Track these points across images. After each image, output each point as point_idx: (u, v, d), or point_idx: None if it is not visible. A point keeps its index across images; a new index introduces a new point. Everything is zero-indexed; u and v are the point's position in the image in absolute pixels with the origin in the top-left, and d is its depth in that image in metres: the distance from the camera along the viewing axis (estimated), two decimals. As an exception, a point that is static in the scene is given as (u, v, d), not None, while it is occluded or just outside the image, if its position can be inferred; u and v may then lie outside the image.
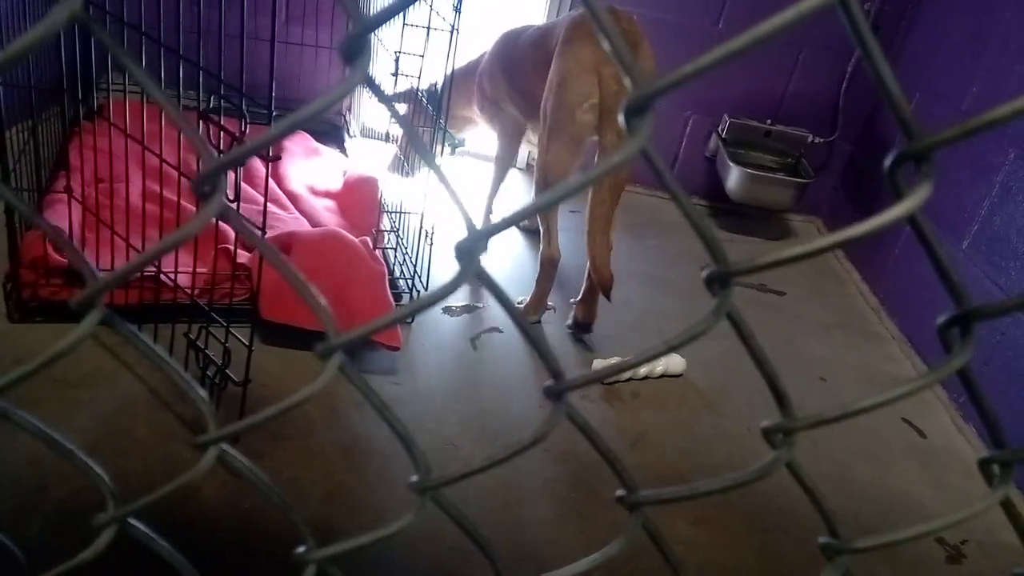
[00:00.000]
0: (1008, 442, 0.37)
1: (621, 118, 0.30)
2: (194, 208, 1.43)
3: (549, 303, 2.15)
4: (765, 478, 0.35)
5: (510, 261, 2.42)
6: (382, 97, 0.31)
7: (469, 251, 0.32)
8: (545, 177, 1.99)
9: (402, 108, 2.47)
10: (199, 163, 1.44)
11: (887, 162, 0.30)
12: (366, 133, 2.85)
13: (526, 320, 0.35)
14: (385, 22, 0.27)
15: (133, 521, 0.42)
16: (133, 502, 0.40)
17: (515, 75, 2.19)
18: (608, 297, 2.00)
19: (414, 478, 0.39)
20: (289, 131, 0.29)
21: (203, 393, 0.37)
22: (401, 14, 2.01)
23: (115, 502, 0.40)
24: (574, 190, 0.32)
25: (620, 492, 0.40)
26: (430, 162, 0.33)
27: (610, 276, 1.99)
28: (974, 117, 0.28)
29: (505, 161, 2.44)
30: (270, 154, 1.23)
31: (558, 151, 1.94)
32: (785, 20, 0.26)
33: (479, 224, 0.32)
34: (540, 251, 2.09)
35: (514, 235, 2.56)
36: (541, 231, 2.08)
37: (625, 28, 1.90)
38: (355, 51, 0.27)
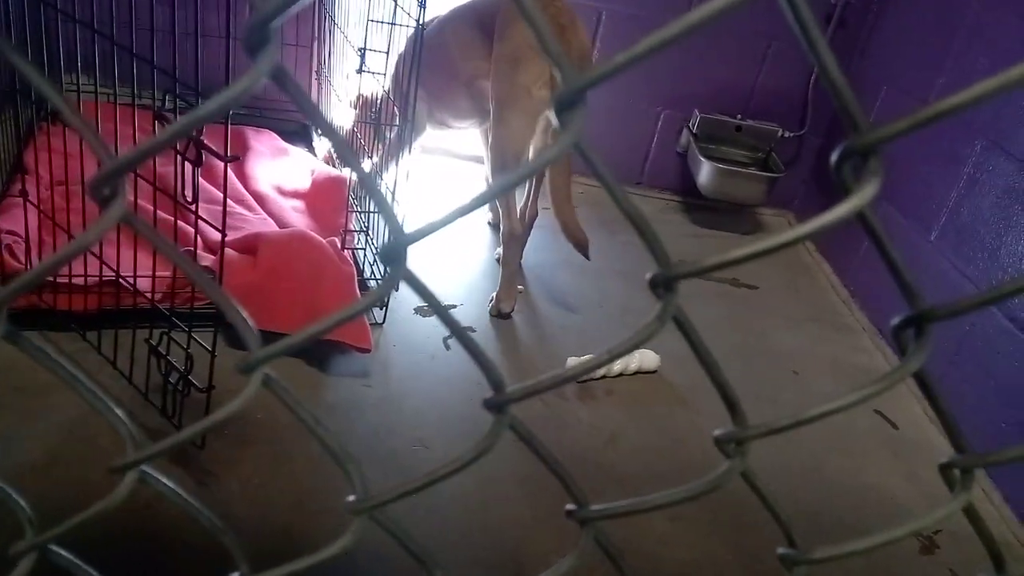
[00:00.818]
0: (968, 447, 0.36)
1: (552, 115, 0.28)
2: (151, 208, 1.39)
3: (519, 286, 2.14)
4: (718, 490, 0.33)
5: (478, 259, 2.40)
6: (297, 95, 0.28)
7: (395, 255, 0.30)
8: (502, 156, 1.97)
9: (350, 113, 2.42)
10: (155, 163, 1.40)
11: (833, 157, 0.28)
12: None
13: (460, 329, 0.33)
14: (286, 9, 0.24)
15: (55, 548, 0.39)
16: (52, 528, 0.37)
17: (447, 67, 2.11)
18: (587, 256, 2.06)
19: (351, 498, 0.36)
20: (187, 130, 0.26)
21: (121, 415, 0.35)
22: (364, 9, 1.98)
23: (33, 528, 0.38)
24: (515, 182, 0.30)
25: (570, 506, 0.38)
26: (355, 167, 0.30)
27: (585, 237, 2.06)
28: (923, 108, 0.26)
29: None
30: (227, 154, 1.20)
31: (514, 129, 1.92)
32: (717, 7, 0.24)
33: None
34: (501, 228, 2.06)
35: (483, 231, 2.54)
36: (500, 209, 2.06)
37: (554, 12, 1.88)
38: (258, 41, 0.25)
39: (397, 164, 2.01)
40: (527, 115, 1.90)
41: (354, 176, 2.26)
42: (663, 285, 0.31)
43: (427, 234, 0.30)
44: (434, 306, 0.32)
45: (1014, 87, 0.24)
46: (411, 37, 2.07)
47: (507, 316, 2.09)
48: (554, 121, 0.28)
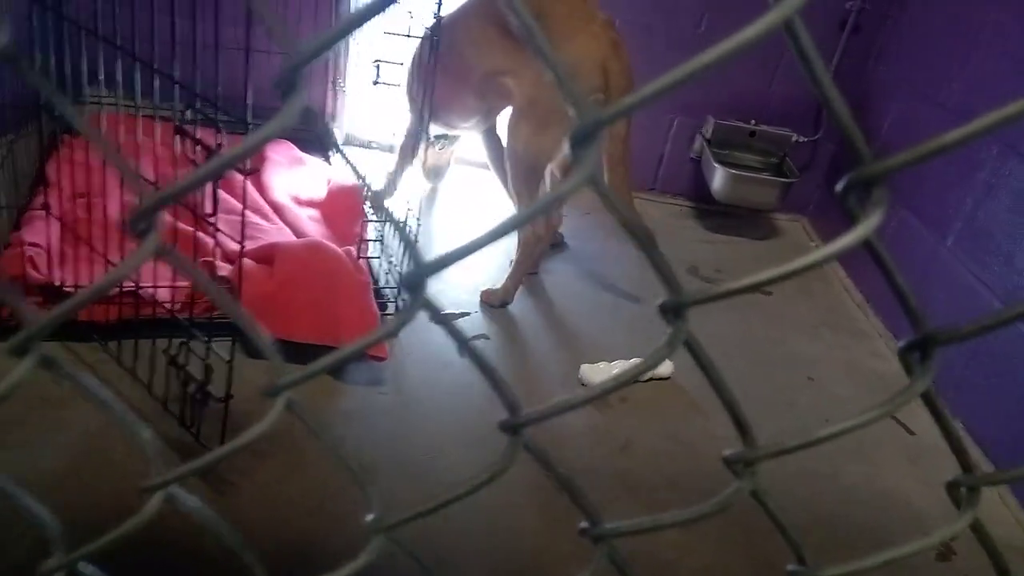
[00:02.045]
0: (974, 467, 0.37)
1: (567, 147, 0.29)
2: (172, 220, 1.42)
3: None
4: (727, 510, 0.34)
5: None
6: (325, 135, 0.30)
7: (416, 284, 0.31)
8: (534, 164, 1.98)
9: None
10: (175, 176, 1.43)
11: (838, 187, 0.29)
12: (350, 142, 2.83)
13: (482, 358, 0.34)
14: (321, 54, 0.26)
15: (83, 567, 0.41)
16: (81, 547, 0.39)
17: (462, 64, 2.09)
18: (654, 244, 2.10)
19: (369, 517, 0.38)
20: (214, 175, 0.28)
21: (148, 435, 0.36)
22: (380, 22, 2.00)
23: (62, 548, 0.39)
24: (532, 216, 0.31)
25: (583, 524, 0.39)
26: (383, 211, 0.32)
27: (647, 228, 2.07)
28: (924, 142, 0.27)
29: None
30: (247, 167, 1.22)
31: (555, 139, 1.93)
32: (727, 50, 0.25)
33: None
34: (523, 230, 2.07)
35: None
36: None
37: (602, 25, 1.88)
38: (289, 86, 0.26)
39: (409, 166, 2.03)
40: (567, 129, 1.91)
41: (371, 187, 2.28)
42: (673, 312, 0.32)
43: (448, 264, 0.31)
44: (456, 336, 0.33)
45: (1012, 121, 0.25)
46: (419, 44, 2.09)
47: (505, 306, 2.13)
48: (568, 155, 0.29)
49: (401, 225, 0.34)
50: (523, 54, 1.95)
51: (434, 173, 2.54)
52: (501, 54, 1.98)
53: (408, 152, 2.12)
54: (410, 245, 0.31)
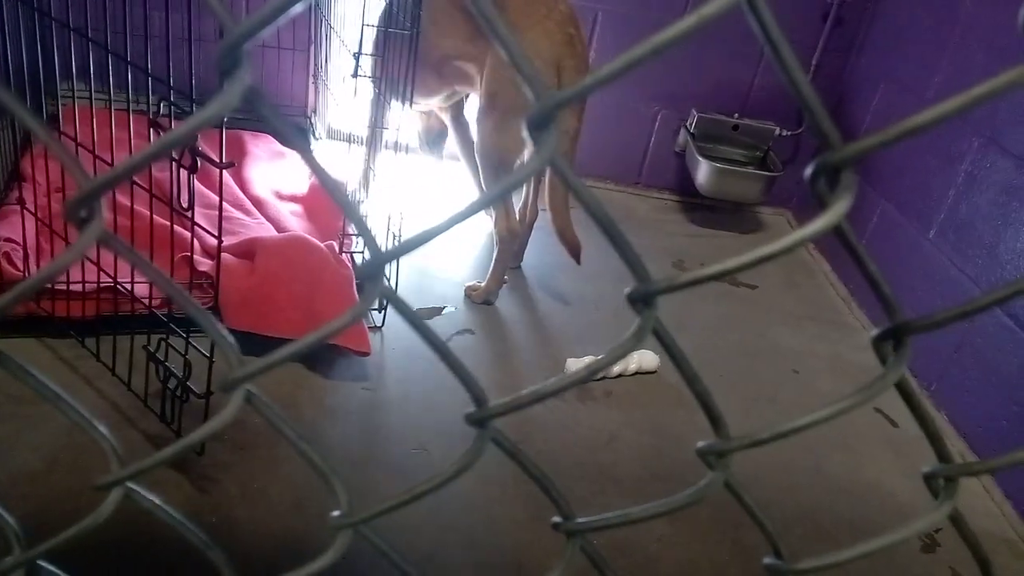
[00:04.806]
0: (951, 456, 0.36)
1: (524, 132, 0.28)
2: (147, 213, 1.40)
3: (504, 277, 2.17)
4: (700, 502, 0.33)
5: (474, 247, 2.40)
6: (272, 116, 0.28)
7: (374, 273, 0.30)
8: (501, 159, 1.97)
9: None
10: (151, 169, 1.41)
11: (807, 172, 0.28)
12: (332, 135, 2.81)
13: (441, 343, 0.33)
14: (257, 31, 0.25)
15: (43, 564, 0.39)
16: (39, 545, 0.37)
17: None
18: (578, 261, 2.11)
19: (335, 513, 0.36)
20: (150, 159, 0.27)
21: (104, 431, 0.35)
22: (363, 14, 1.98)
23: (21, 545, 0.38)
24: (492, 199, 0.30)
25: (556, 519, 0.38)
26: (332, 189, 0.31)
27: (578, 242, 2.10)
28: (894, 124, 0.26)
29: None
30: (223, 160, 1.20)
31: (515, 134, 1.92)
32: (686, 26, 0.24)
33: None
34: (497, 227, 2.07)
35: (478, 230, 2.54)
36: (496, 212, 2.07)
37: (560, 18, 1.86)
38: (230, 65, 0.25)
39: (378, 153, 2.02)
40: None
41: (352, 178, 2.26)
42: (641, 300, 0.31)
43: (407, 251, 0.30)
44: (415, 324, 0.32)
45: (977, 104, 0.24)
46: (381, 15, 2.03)
47: (489, 304, 2.13)
48: (527, 140, 0.28)
49: (357, 215, 0.33)
50: (484, 42, 1.93)
51: (430, 141, 2.51)
52: (461, 38, 1.96)
53: (375, 139, 2.10)
54: (365, 233, 0.30)
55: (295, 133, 0.27)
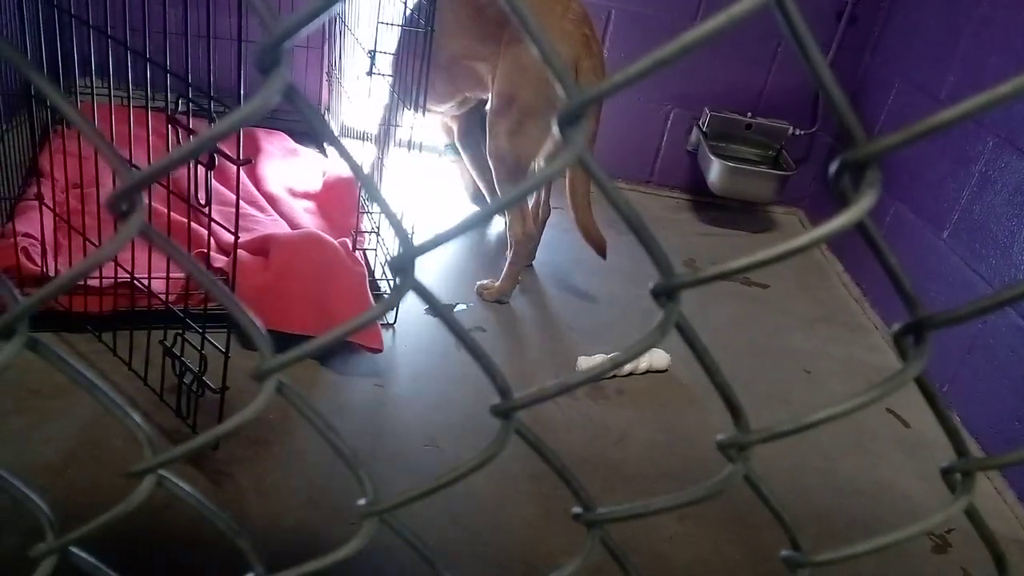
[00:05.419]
0: (968, 451, 0.36)
1: (555, 128, 0.29)
2: (165, 210, 1.41)
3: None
4: (721, 494, 0.34)
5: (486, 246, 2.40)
6: (309, 112, 0.29)
7: (403, 266, 0.31)
8: (518, 162, 1.97)
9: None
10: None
11: (831, 169, 0.29)
12: (346, 133, 2.82)
13: (469, 337, 0.34)
14: (300, 29, 0.25)
15: (75, 550, 0.40)
16: (72, 531, 0.38)
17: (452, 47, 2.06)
18: (604, 256, 2.12)
19: (361, 501, 0.37)
20: (200, 150, 0.27)
21: (138, 419, 0.36)
22: (377, 13, 1.99)
23: (54, 531, 0.39)
24: (520, 196, 0.31)
25: (576, 510, 0.39)
26: (365, 181, 0.31)
27: (603, 239, 2.10)
28: (917, 122, 0.27)
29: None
30: (240, 158, 1.21)
31: (536, 139, 1.92)
32: (716, 25, 0.25)
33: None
34: (512, 229, 2.07)
35: (492, 229, 2.55)
36: (511, 213, 2.07)
37: (575, 19, 1.86)
38: (270, 63, 0.26)
39: (388, 152, 2.03)
40: (548, 126, 1.89)
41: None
42: (665, 294, 0.31)
43: (435, 246, 0.30)
44: (444, 316, 0.32)
45: (1002, 102, 0.25)
46: (406, 19, 2.03)
47: (504, 303, 2.14)
48: (557, 135, 0.29)
49: (389, 208, 0.33)
50: (495, 42, 1.92)
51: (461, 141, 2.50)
52: (471, 38, 1.96)
53: (385, 137, 2.11)
54: (397, 227, 0.31)
55: (329, 130, 0.28)
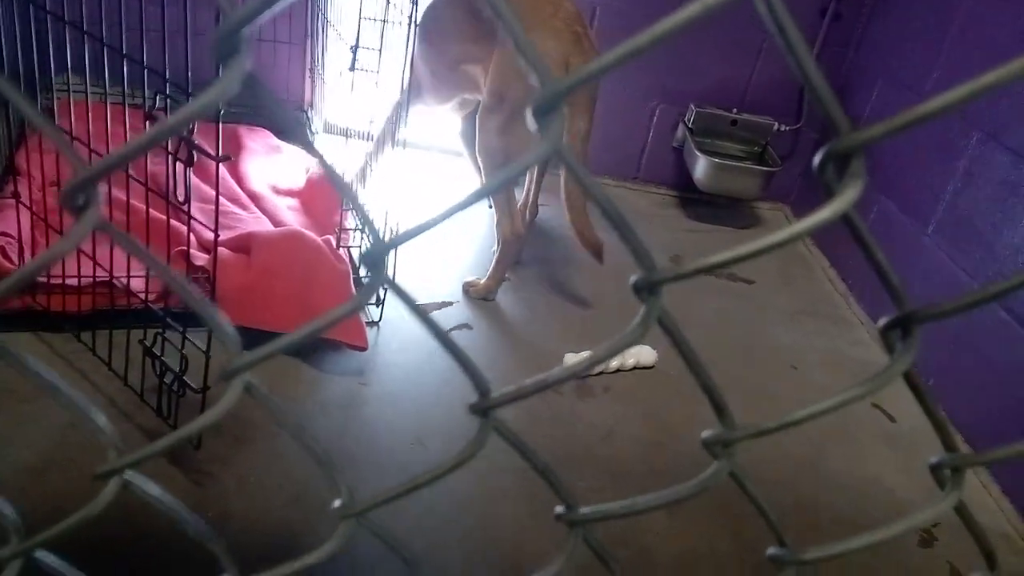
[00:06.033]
0: (957, 446, 0.36)
1: (530, 118, 0.28)
2: (143, 207, 1.39)
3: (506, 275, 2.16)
4: (706, 491, 0.33)
5: (477, 240, 2.39)
6: (272, 105, 0.28)
7: (376, 261, 0.30)
8: (507, 157, 1.97)
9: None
10: (147, 162, 1.40)
11: (815, 160, 0.28)
12: (329, 129, 2.80)
13: (444, 334, 0.33)
14: (257, 16, 0.24)
15: (41, 554, 0.39)
16: (37, 535, 0.37)
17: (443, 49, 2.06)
18: (600, 260, 2.09)
19: (336, 503, 0.36)
20: (148, 146, 0.26)
21: (103, 421, 0.34)
22: (357, 7, 1.97)
23: (19, 535, 0.37)
24: (492, 189, 0.30)
25: (559, 509, 0.38)
26: (334, 178, 0.30)
27: (599, 241, 2.08)
28: (901, 112, 0.26)
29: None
30: (219, 154, 1.19)
31: (522, 139, 1.91)
32: (690, 14, 0.24)
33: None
34: (501, 228, 2.06)
35: (478, 225, 2.53)
36: (499, 210, 2.06)
37: (566, 17, 1.86)
38: (227, 50, 0.25)
39: (391, 144, 2.01)
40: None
41: (349, 172, 2.26)
42: (646, 289, 0.30)
43: (407, 239, 0.29)
44: (417, 312, 0.31)
45: (986, 92, 0.24)
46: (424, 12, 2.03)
47: (490, 300, 2.13)
48: (532, 126, 0.28)
49: (358, 201, 0.33)
50: (488, 42, 1.93)
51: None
52: (469, 41, 1.96)
53: (387, 137, 2.09)
54: (366, 221, 0.30)
55: (293, 121, 0.27)
